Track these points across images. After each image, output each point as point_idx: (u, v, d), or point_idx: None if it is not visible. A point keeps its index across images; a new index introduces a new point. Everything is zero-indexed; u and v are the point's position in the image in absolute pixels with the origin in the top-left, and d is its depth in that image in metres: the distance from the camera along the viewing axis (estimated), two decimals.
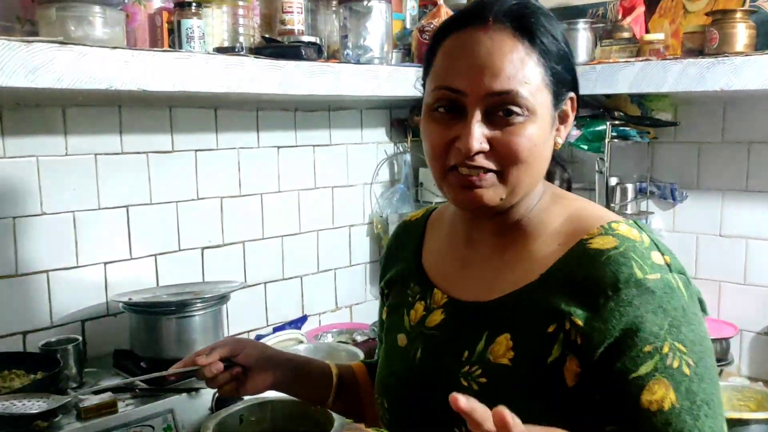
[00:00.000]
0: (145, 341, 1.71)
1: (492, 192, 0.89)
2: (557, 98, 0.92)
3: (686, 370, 0.82)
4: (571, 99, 0.96)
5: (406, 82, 1.92)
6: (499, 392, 0.89)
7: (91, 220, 1.77)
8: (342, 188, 2.36)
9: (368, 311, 2.41)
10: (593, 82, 1.90)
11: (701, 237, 2.12)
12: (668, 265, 0.88)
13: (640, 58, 1.91)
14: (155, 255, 1.90)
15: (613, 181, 2.12)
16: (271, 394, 1.27)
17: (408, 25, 2.29)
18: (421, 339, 1.01)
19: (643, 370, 0.82)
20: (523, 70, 0.87)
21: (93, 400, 1.45)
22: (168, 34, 1.64)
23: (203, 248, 2.01)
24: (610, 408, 0.84)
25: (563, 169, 1.08)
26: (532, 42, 0.88)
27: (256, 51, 1.73)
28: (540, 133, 0.89)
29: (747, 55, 1.69)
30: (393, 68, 1.96)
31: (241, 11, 1.78)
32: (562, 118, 0.95)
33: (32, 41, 1.26)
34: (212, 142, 2.00)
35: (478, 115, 0.87)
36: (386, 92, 1.93)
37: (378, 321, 1.22)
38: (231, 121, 2.03)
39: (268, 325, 2.18)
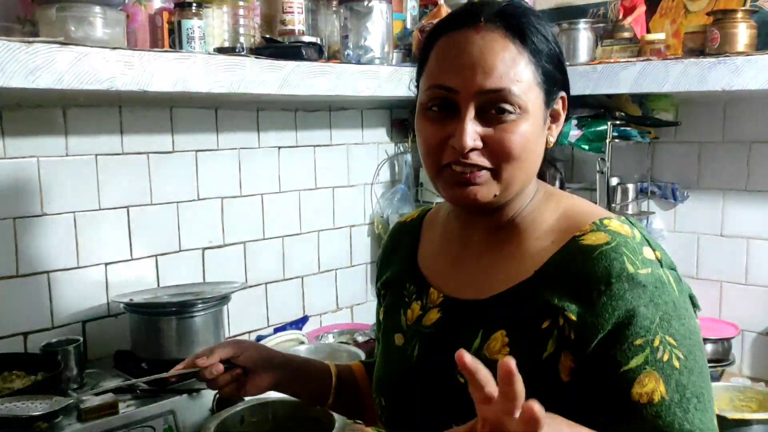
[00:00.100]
0: (145, 342, 1.71)
1: (486, 189, 0.91)
2: (549, 97, 0.94)
3: (676, 364, 0.84)
4: (562, 98, 0.97)
5: (406, 82, 1.92)
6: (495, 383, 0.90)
7: (91, 221, 1.77)
8: (343, 188, 2.36)
9: (369, 312, 2.41)
10: (594, 82, 1.90)
11: (702, 237, 2.12)
12: (659, 261, 0.89)
13: (641, 58, 1.90)
14: (156, 255, 1.90)
15: (614, 181, 2.12)
16: (272, 395, 1.28)
17: (409, 25, 2.29)
18: (418, 338, 1.02)
19: (634, 363, 0.84)
20: (514, 69, 0.88)
21: (94, 401, 1.45)
22: (168, 35, 1.64)
23: (204, 249, 2.01)
24: (602, 401, 0.85)
25: (555, 168, 1.09)
26: (523, 41, 0.90)
27: (257, 51, 1.73)
28: (532, 130, 0.91)
29: (748, 55, 1.69)
30: (394, 68, 1.96)
31: (241, 11, 1.78)
32: (554, 117, 0.97)
33: (33, 42, 1.26)
34: (213, 143, 2.00)
35: (471, 113, 0.89)
36: (387, 92, 1.93)
37: (375, 321, 1.23)
38: (232, 121, 2.03)
39: (269, 326, 2.18)
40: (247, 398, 1.52)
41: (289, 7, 1.87)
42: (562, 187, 1.08)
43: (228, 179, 2.04)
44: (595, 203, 2.07)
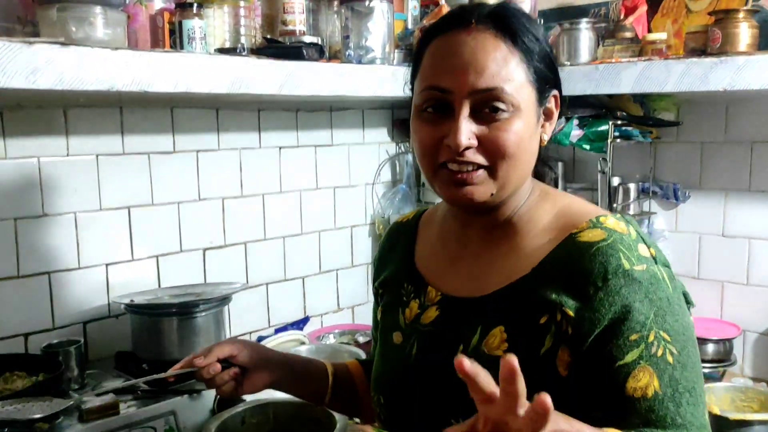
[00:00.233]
0: (146, 343, 1.71)
1: (483, 188, 0.93)
2: (541, 95, 0.95)
3: (670, 359, 0.86)
4: (555, 97, 0.99)
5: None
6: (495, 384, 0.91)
7: (92, 221, 1.76)
8: (344, 189, 2.36)
9: (370, 312, 2.38)
10: (596, 82, 1.90)
11: (704, 237, 2.11)
12: (654, 258, 0.92)
13: (643, 58, 1.90)
14: (157, 256, 1.90)
15: (616, 181, 2.12)
16: (274, 396, 1.27)
17: (410, 25, 2.28)
18: (417, 335, 1.04)
19: (630, 357, 0.86)
20: (506, 68, 0.90)
21: (95, 401, 1.45)
22: (169, 35, 1.64)
23: (205, 249, 2.01)
24: (598, 395, 0.87)
25: (550, 168, 1.11)
26: (514, 41, 0.92)
27: (258, 51, 1.73)
28: (525, 128, 0.92)
29: (750, 55, 1.69)
30: (395, 68, 1.96)
31: (242, 12, 1.78)
32: (547, 115, 0.99)
33: (33, 42, 1.26)
34: (214, 143, 2.00)
35: (465, 112, 0.90)
36: (388, 92, 1.93)
37: (372, 321, 1.26)
38: (232, 121, 2.03)
39: (270, 326, 2.18)
40: (247, 399, 1.52)
41: (290, 7, 1.87)
42: (556, 186, 1.09)
43: (229, 179, 2.04)
44: (597, 203, 2.08)
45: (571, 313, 0.88)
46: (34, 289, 1.69)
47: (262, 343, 1.88)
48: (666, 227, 2.17)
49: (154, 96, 1.62)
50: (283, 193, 2.18)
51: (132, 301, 1.70)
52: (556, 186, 1.10)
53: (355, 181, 2.39)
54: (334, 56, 2.00)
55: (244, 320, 2.10)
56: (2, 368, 1.52)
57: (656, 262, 0.91)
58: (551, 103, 0.98)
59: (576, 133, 2.08)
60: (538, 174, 1.04)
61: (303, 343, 2.08)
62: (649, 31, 2.08)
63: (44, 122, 1.67)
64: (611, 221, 0.93)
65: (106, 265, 1.81)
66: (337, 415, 1.44)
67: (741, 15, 1.74)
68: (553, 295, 0.90)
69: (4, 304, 1.64)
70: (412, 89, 1.01)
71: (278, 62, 1.67)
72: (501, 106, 0.90)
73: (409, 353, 1.03)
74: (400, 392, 1.04)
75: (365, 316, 2.40)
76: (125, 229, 1.83)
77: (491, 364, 0.93)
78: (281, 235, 2.18)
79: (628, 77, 1.85)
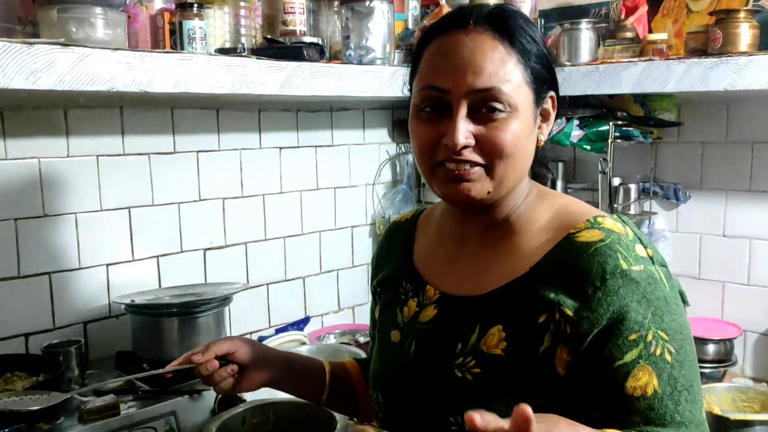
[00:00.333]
0: (147, 343, 1.71)
1: (479, 185, 0.94)
2: (538, 96, 0.96)
3: (668, 358, 0.87)
4: (552, 98, 1.00)
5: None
6: (493, 382, 0.93)
7: (93, 222, 1.77)
8: (344, 189, 2.36)
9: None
10: (596, 82, 1.90)
11: (704, 237, 2.11)
12: (650, 258, 0.92)
13: (643, 58, 1.90)
14: (157, 256, 1.90)
15: (616, 181, 2.11)
16: (274, 396, 1.27)
17: (410, 26, 2.28)
18: (415, 334, 1.04)
19: (629, 357, 0.87)
20: (504, 69, 0.91)
21: (95, 402, 1.45)
22: (170, 35, 1.64)
23: (205, 249, 2.01)
24: (597, 394, 0.88)
25: (547, 169, 1.14)
26: (511, 43, 0.93)
27: (258, 52, 1.73)
28: (523, 128, 0.93)
29: (751, 55, 1.69)
30: (395, 69, 1.96)
31: (242, 12, 1.78)
32: (544, 116, 1.00)
33: (34, 43, 1.26)
34: (214, 143, 2.00)
35: (462, 112, 0.91)
36: (388, 93, 1.93)
37: (370, 319, 1.26)
38: (233, 122, 2.03)
39: (270, 327, 2.18)
40: (248, 399, 1.52)
41: (291, 7, 1.87)
42: (554, 187, 1.10)
43: (229, 180, 2.04)
44: (597, 204, 2.07)
45: (570, 313, 0.89)
46: (35, 290, 1.69)
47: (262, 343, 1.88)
48: (666, 227, 2.17)
49: (155, 96, 1.62)
50: (283, 193, 2.18)
51: (132, 301, 1.70)
52: (554, 187, 1.11)
53: (355, 181, 2.39)
54: (335, 56, 2.00)
55: (244, 320, 2.10)
56: (3, 368, 1.52)
57: (653, 262, 0.92)
58: (548, 104, 0.99)
59: (576, 134, 2.07)
60: (536, 176, 1.05)
61: (303, 343, 2.08)
62: (650, 31, 2.08)
63: (44, 123, 1.67)
64: (609, 222, 0.94)
65: (107, 265, 1.81)
66: (337, 415, 1.44)
67: (742, 15, 1.74)
68: (552, 294, 0.90)
69: (5, 304, 1.64)
70: (410, 89, 1.02)
71: (278, 62, 1.67)
72: (498, 106, 0.91)
73: (407, 351, 1.04)
74: (398, 390, 1.04)
75: (366, 317, 2.39)
76: (126, 229, 1.83)
77: (490, 363, 0.94)
78: (282, 235, 2.18)
79: (629, 77, 1.85)
